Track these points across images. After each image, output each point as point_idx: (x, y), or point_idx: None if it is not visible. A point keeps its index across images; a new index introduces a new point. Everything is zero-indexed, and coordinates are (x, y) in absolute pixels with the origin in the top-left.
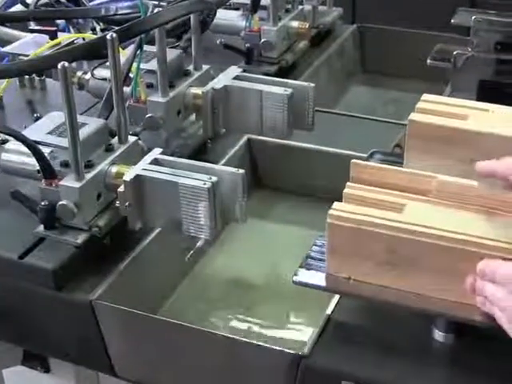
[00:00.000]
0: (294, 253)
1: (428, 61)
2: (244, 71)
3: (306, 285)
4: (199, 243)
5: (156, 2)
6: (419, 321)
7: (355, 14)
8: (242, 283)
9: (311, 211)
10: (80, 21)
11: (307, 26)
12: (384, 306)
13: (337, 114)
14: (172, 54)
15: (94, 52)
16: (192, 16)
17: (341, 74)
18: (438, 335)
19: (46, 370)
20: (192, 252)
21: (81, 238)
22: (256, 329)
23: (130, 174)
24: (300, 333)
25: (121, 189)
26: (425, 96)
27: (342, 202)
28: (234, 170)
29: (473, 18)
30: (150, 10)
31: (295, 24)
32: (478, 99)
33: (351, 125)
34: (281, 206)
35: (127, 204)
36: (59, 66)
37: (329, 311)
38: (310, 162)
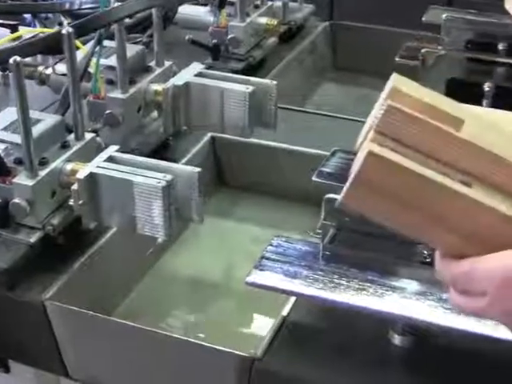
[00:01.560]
0: (254, 252)
1: (396, 59)
2: (210, 68)
3: (258, 286)
4: (159, 240)
5: None
6: (377, 323)
7: (332, 10)
8: (201, 282)
9: (273, 210)
10: (50, 15)
11: (276, 23)
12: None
13: (305, 112)
14: (133, 49)
15: (50, 47)
16: (153, 11)
17: (312, 71)
18: (396, 338)
19: (6, 370)
20: (151, 250)
21: (34, 237)
22: (211, 330)
23: (83, 171)
24: (254, 335)
25: (74, 187)
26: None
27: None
28: (190, 168)
29: (444, 15)
30: (112, 3)
31: (264, 20)
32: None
33: (320, 123)
34: (243, 204)
35: (81, 202)
36: (11, 60)
37: (285, 312)
38: (273, 160)
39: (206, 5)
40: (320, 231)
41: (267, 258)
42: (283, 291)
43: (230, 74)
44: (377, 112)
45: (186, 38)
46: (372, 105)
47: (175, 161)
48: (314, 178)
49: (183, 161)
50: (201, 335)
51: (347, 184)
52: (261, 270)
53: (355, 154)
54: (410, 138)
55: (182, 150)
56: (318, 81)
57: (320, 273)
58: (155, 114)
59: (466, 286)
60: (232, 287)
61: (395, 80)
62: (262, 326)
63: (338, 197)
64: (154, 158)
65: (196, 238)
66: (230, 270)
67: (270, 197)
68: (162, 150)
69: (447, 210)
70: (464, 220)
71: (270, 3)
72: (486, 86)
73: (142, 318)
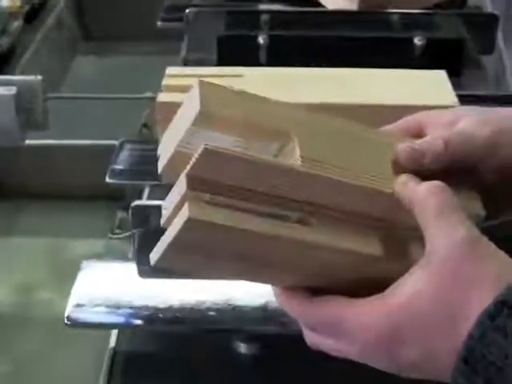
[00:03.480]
0: (49, 269)
1: (158, 23)
2: None
3: (81, 325)
4: None
5: None
6: (218, 335)
7: None
8: (1, 322)
9: (62, 215)
10: None
11: (19, 4)
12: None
13: (70, 99)
14: None
15: None
16: None
17: (63, 47)
18: (241, 347)
19: None
20: None
21: None
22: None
23: None
24: (82, 370)
25: None
26: (169, 70)
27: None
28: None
29: None
30: None
31: (5, 3)
32: (219, 57)
33: (89, 107)
34: (27, 215)
35: None
36: None
37: (112, 343)
38: (52, 159)
39: None
40: (120, 231)
41: (82, 290)
42: (112, 326)
43: None
44: (180, 138)
45: None
46: (136, 73)
47: None
48: (107, 180)
49: None
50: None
51: (162, 246)
52: (78, 305)
53: (144, 141)
54: (231, 177)
55: None
56: (71, 56)
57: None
58: None
59: (329, 333)
60: (35, 317)
61: (200, 94)
62: (89, 362)
63: (152, 257)
64: None
65: None
66: (26, 296)
67: (54, 201)
68: None
69: (286, 257)
70: (308, 263)
71: None
72: (261, 39)
73: None
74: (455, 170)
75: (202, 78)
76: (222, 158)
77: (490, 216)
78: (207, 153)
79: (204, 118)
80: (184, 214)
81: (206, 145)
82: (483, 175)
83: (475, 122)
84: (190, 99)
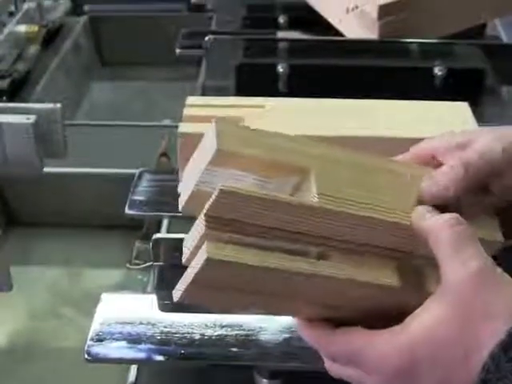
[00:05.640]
0: (64, 299)
1: (177, 50)
2: None
3: (101, 360)
4: None
5: None
6: (239, 370)
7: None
8: (14, 353)
9: (78, 244)
10: None
11: (37, 29)
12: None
13: (89, 126)
14: None
15: None
16: None
17: (80, 72)
18: (263, 383)
19: None
20: None
21: None
22: None
23: None
24: None
25: None
26: (190, 100)
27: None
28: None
29: None
30: None
31: (23, 28)
32: (238, 85)
33: (105, 133)
34: (43, 243)
35: None
36: None
37: (131, 378)
38: (68, 188)
39: None
40: (138, 261)
41: (102, 323)
42: (132, 361)
43: (3, 104)
44: (199, 176)
45: None
46: (151, 100)
47: None
48: (127, 211)
49: None
50: None
51: (184, 284)
52: (98, 339)
53: (163, 171)
54: (249, 216)
55: None
56: (87, 81)
57: (163, 329)
58: None
59: (349, 363)
60: (54, 351)
61: (216, 133)
62: None
63: (174, 294)
64: None
65: None
66: (46, 329)
67: (70, 230)
68: None
69: (306, 290)
70: (328, 295)
71: (25, 7)
72: (280, 67)
73: None
74: (472, 189)
75: (222, 110)
76: (238, 198)
77: (508, 235)
78: (224, 193)
79: (221, 157)
80: (203, 253)
81: (223, 185)
82: (501, 192)
83: (490, 140)
84: (207, 137)
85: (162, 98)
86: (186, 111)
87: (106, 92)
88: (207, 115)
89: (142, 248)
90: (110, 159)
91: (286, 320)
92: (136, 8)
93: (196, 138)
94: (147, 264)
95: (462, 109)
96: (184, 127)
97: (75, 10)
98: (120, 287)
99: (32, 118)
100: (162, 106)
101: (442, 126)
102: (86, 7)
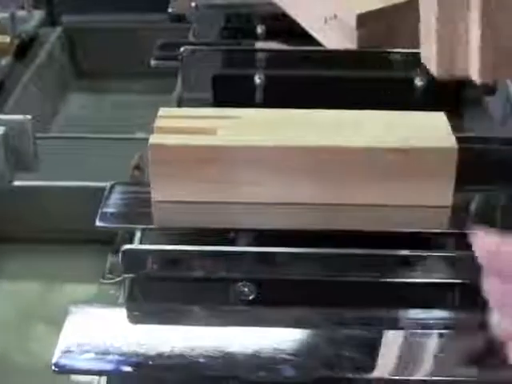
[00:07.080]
0: (37, 315)
1: (152, 61)
2: None
3: (68, 371)
4: None
5: None
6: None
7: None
8: None
9: (51, 259)
10: None
11: (9, 40)
12: None
13: (60, 139)
14: None
15: None
16: None
17: (54, 84)
18: None
19: None
20: None
21: None
22: None
23: None
24: None
25: None
26: (161, 111)
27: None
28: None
29: (192, 3)
30: None
31: None
32: (215, 97)
33: (79, 146)
34: (14, 259)
35: None
36: None
37: None
38: (40, 201)
39: None
40: (111, 276)
41: (70, 335)
42: (101, 373)
43: None
44: None
45: None
46: (130, 112)
47: None
48: (97, 223)
49: None
50: None
51: None
52: (66, 351)
53: (136, 183)
54: None
55: None
56: (63, 94)
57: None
58: None
59: None
60: (27, 366)
61: None
62: None
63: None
64: None
65: None
66: (18, 344)
67: (43, 245)
68: None
69: None
70: None
71: None
72: (257, 78)
73: None
74: None
75: (194, 121)
76: None
77: None
78: None
79: None
80: None
81: None
82: None
83: None
84: None
85: (139, 110)
86: (157, 122)
87: (82, 104)
88: (179, 126)
89: (115, 262)
90: (83, 172)
91: (257, 332)
92: (115, 19)
93: (167, 150)
94: (120, 278)
95: (439, 118)
96: (155, 138)
97: (50, 20)
98: (91, 302)
99: (1, 130)
100: (139, 118)
101: (418, 136)
102: (63, 18)
